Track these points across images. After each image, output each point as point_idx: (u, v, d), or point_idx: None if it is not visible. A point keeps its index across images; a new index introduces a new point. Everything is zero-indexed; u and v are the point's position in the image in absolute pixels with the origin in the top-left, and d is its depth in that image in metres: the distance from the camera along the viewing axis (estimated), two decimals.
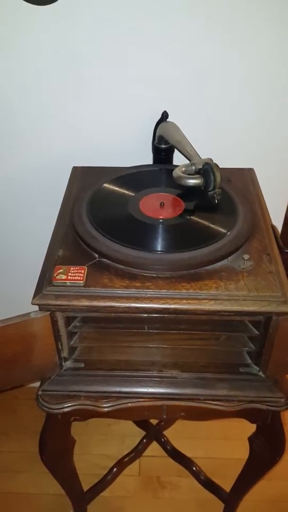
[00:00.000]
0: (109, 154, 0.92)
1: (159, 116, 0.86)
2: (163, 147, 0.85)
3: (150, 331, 0.68)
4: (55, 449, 0.79)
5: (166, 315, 0.61)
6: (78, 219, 0.69)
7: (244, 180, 0.82)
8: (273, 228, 0.72)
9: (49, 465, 0.82)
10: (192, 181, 0.70)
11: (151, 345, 0.70)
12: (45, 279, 0.61)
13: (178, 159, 0.83)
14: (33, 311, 0.60)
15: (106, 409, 0.69)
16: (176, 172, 0.72)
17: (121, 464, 1.14)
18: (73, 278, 0.60)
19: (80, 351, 0.70)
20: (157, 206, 0.72)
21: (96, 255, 0.64)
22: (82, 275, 0.60)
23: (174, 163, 0.89)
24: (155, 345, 0.70)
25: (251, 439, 0.82)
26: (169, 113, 0.85)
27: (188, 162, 0.74)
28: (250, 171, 0.85)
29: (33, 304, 0.59)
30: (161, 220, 0.69)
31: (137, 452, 1.18)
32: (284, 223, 1.03)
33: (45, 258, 0.66)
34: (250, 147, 0.93)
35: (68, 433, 0.79)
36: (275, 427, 0.74)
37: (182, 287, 0.59)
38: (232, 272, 0.62)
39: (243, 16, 0.78)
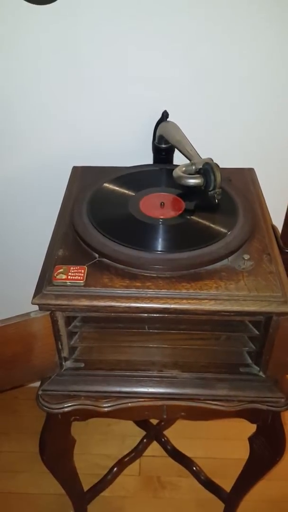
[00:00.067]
0: (109, 154, 0.92)
1: (159, 116, 0.86)
2: (163, 147, 0.85)
3: (150, 331, 0.68)
4: (55, 449, 0.79)
5: (166, 315, 0.61)
6: (78, 219, 0.69)
7: (244, 180, 0.82)
8: (274, 228, 0.72)
9: (49, 465, 0.82)
10: (192, 181, 0.70)
11: (151, 345, 0.70)
12: (45, 279, 0.61)
13: (178, 159, 0.83)
14: (33, 311, 0.60)
15: (106, 409, 0.69)
16: (176, 172, 0.72)
17: (121, 464, 1.14)
18: (73, 278, 0.60)
19: (80, 351, 0.70)
20: (157, 206, 0.72)
21: (96, 255, 0.64)
22: (82, 275, 0.60)
23: (175, 163, 0.89)
24: (155, 345, 0.70)
25: (251, 439, 0.82)
26: (169, 113, 0.85)
27: (188, 162, 0.74)
28: (250, 171, 0.85)
29: (33, 303, 0.59)
30: (161, 220, 0.69)
31: (137, 452, 1.18)
32: (284, 223, 1.03)
33: (45, 258, 0.66)
34: (250, 147, 0.93)
35: (68, 433, 0.79)
36: (275, 427, 0.74)
37: (182, 287, 0.59)
38: (233, 272, 0.62)
39: (243, 16, 0.78)
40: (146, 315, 0.62)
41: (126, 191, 0.76)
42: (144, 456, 1.22)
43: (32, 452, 0.96)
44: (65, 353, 0.67)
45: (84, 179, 0.82)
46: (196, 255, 0.62)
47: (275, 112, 0.89)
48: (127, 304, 0.59)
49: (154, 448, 1.22)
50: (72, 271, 0.60)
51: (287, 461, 0.89)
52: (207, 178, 0.69)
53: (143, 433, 1.22)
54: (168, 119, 0.85)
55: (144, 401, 0.69)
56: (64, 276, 0.60)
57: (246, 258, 0.62)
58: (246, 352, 0.69)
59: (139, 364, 0.69)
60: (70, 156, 0.91)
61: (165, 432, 1.22)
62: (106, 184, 0.78)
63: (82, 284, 0.59)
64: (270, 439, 0.78)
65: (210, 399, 0.68)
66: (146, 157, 0.91)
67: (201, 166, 0.71)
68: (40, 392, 0.68)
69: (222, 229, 0.67)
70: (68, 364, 0.68)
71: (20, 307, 0.62)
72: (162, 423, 1.20)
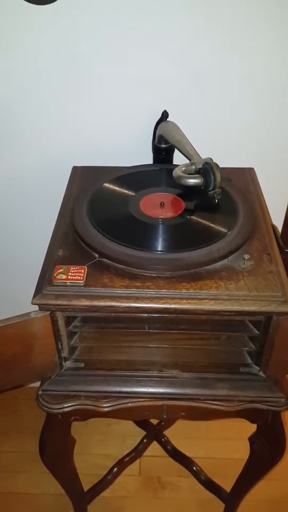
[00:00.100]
0: (109, 154, 0.92)
1: (159, 116, 0.86)
2: (163, 147, 0.85)
3: (150, 331, 0.68)
4: (55, 449, 0.79)
5: (166, 315, 0.61)
6: (78, 219, 0.69)
7: (244, 179, 0.82)
8: (274, 227, 0.72)
9: (49, 465, 0.82)
10: (192, 181, 0.70)
11: (151, 345, 0.70)
12: (45, 278, 0.61)
13: (178, 158, 0.83)
14: (33, 311, 0.60)
15: (106, 409, 0.69)
16: (176, 172, 0.72)
17: (122, 464, 1.14)
18: (73, 278, 0.60)
19: (80, 351, 0.70)
20: (157, 205, 0.72)
21: (96, 255, 0.64)
22: (82, 275, 0.60)
23: (174, 162, 0.89)
24: (155, 345, 0.70)
25: (251, 439, 0.82)
26: (169, 113, 0.85)
27: (188, 161, 0.74)
28: (250, 170, 0.85)
29: (33, 304, 0.59)
30: (161, 220, 0.69)
31: (137, 452, 1.18)
32: (284, 222, 1.03)
33: (45, 258, 0.66)
34: (250, 147, 0.93)
35: (68, 433, 0.79)
36: (275, 427, 0.74)
37: (182, 287, 0.59)
38: (233, 271, 0.62)
39: (243, 16, 0.78)
40: (146, 315, 0.62)
41: (126, 191, 0.76)
42: (144, 456, 1.22)
43: (32, 452, 0.96)
44: (65, 353, 0.67)
45: (84, 179, 0.82)
46: (196, 255, 0.62)
47: (275, 112, 0.89)
48: (127, 304, 0.59)
49: (154, 448, 1.22)
50: (72, 271, 0.60)
51: (287, 461, 0.89)
52: (207, 178, 0.69)
53: (143, 433, 1.22)
54: (168, 119, 0.85)
55: (144, 401, 0.69)
56: (64, 276, 0.60)
57: (246, 258, 0.62)
58: (246, 352, 0.69)
59: (139, 364, 0.69)
60: (70, 156, 0.91)
61: (165, 432, 1.22)
62: (106, 184, 0.78)
63: (82, 284, 0.59)
64: (270, 439, 0.78)
65: (210, 399, 0.68)
66: (146, 157, 0.91)
67: (201, 166, 0.71)
68: (40, 392, 0.68)
69: (222, 229, 0.67)
70: (68, 364, 0.68)
71: (20, 307, 0.62)
72: (162, 423, 1.20)
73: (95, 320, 0.67)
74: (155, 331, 0.68)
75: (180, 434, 1.25)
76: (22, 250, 1.10)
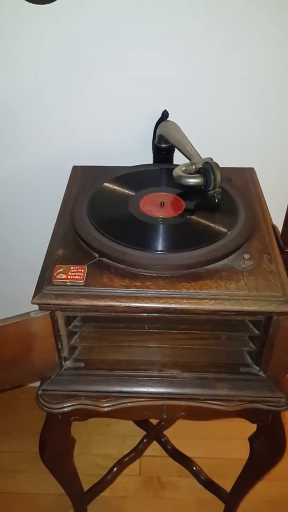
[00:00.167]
0: (109, 154, 0.92)
1: (159, 116, 0.86)
2: (163, 147, 0.85)
3: (150, 330, 0.68)
4: (55, 449, 0.79)
5: (166, 315, 0.61)
6: (78, 219, 0.69)
7: (244, 179, 0.82)
8: (274, 227, 0.72)
9: (49, 465, 0.82)
10: (192, 181, 0.70)
11: (151, 345, 0.70)
12: (45, 278, 0.61)
13: (179, 158, 0.83)
14: (33, 311, 0.60)
15: (106, 409, 0.69)
16: (176, 172, 0.72)
17: (121, 464, 1.14)
18: (73, 277, 0.60)
19: (80, 351, 0.70)
20: (158, 205, 0.72)
21: (96, 255, 0.64)
22: (82, 274, 0.60)
23: (175, 162, 0.89)
24: (155, 345, 0.70)
25: (251, 439, 0.82)
26: (169, 113, 0.85)
27: (188, 161, 0.74)
28: (251, 170, 0.85)
29: (33, 303, 0.59)
30: (161, 220, 0.69)
31: (137, 452, 1.18)
32: (284, 222, 1.03)
33: (45, 258, 0.66)
34: (250, 147, 0.93)
35: (68, 433, 0.79)
36: (275, 427, 0.74)
37: (182, 287, 0.59)
38: (233, 271, 0.62)
39: (243, 16, 0.78)
40: (146, 314, 0.62)
41: (126, 191, 0.76)
42: (144, 456, 1.22)
43: (32, 452, 0.96)
44: (65, 353, 0.67)
45: (84, 179, 0.82)
46: (196, 254, 0.62)
47: (275, 111, 0.89)
48: (127, 304, 0.59)
49: (154, 448, 1.22)
50: (72, 271, 0.60)
51: (287, 461, 0.89)
52: (207, 177, 0.69)
53: (143, 433, 1.22)
54: (168, 119, 0.85)
55: (144, 401, 0.69)
56: (64, 276, 0.60)
57: (246, 258, 0.62)
58: (246, 352, 0.69)
59: (139, 364, 0.69)
60: (70, 156, 0.91)
61: (165, 432, 1.22)
62: (106, 184, 0.78)
63: (82, 284, 0.59)
64: (270, 439, 0.78)
65: (210, 399, 0.68)
66: (146, 157, 0.91)
67: (201, 166, 0.71)
68: (40, 392, 0.68)
69: (222, 229, 0.67)
70: (68, 364, 0.68)
71: (20, 307, 0.62)
72: (162, 423, 1.20)
73: (95, 319, 0.67)
74: (155, 331, 0.68)
75: (180, 434, 1.25)
76: (22, 250, 1.10)
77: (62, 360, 0.67)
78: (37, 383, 0.70)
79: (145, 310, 0.60)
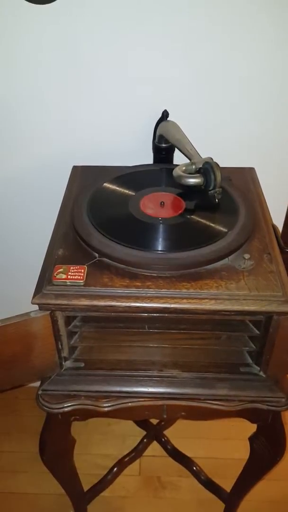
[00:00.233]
0: (109, 154, 0.92)
1: (159, 116, 0.86)
2: (164, 146, 0.85)
3: (151, 330, 0.68)
4: (56, 449, 0.79)
5: (166, 315, 0.61)
6: (78, 219, 0.69)
7: (244, 179, 0.82)
8: (274, 227, 0.72)
9: (49, 465, 0.82)
10: (192, 180, 0.70)
11: (151, 345, 0.70)
12: (45, 278, 0.61)
13: (179, 158, 0.83)
14: (33, 311, 0.60)
15: (106, 409, 0.69)
16: (177, 171, 0.72)
17: (122, 464, 1.14)
18: (73, 277, 0.59)
19: (80, 351, 0.70)
20: (158, 205, 0.72)
21: (96, 255, 0.64)
22: (82, 274, 0.60)
23: (175, 162, 0.89)
24: (156, 345, 0.70)
25: (251, 439, 0.82)
26: (169, 113, 0.85)
27: (188, 161, 0.74)
28: (251, 170, 0.85)
29: (33, 303, 0.59)
30: (161, 220, 0.69)
31: (137, 452, 1.18)
32: (285, 222, 1.03)
33: (45, 258, 0.66)
34: (250, 147, 0.93)
35: (68, 433, 0.79)
36: (275, 427, 0.74)
37: (182, 287, 0.59)
38: (233, 271, 0.62)
39: (243, 16, 0.78)
40: (146, 314, 0.62)
41: (126, 191, 0.76)
42: (144, 456, 1.22)
43: (32, 452, 0.96)
44: (65, 353, 0.67)
45: (84, 179, 0.82)
46: (196, 254, 0.62)
47: (275, 111, 0.89)
48: (127, 304, 0.59)
49: (154, 448, 1.22)
50: (72, 271, 0.60)
51: (287, 461, 0.89)
52: (207, 177, 0.69)
53: (143, 433, 1.22)
54: (168, 119, 0.85)
55: (144, 401, 0.69)
56: (64, 276, 0.60)
57: (246, 258, 0.62)
58: (246, 352, 0.69)
59: (139, 363, 0.69)
60: (70, 156, 0.91)
61: (165, 432, 1.22)
62: (106, 184, 0.78)
63: (82, 284, 0.59)
64: (270, 439, 0.78)
65: (210, 398, 0.68)
66: (146, 157, 0.91)
67: (201, 166, 0.71)
68: (40, 392, 0.68)
69: (222, 229, 0.67)
70: (68, 364, 0.68)
71: (20, 307, 0.62)
72: (162, 423, 1.20)
73: (95, 319, 0.67)
74: (155, 330, 0.68)
75: (180, 434, 1.25)
76: (22, 250, 1.10)
77: (62, 360, 0.67)
78: (37, 383, 0.70)
79: (145, 310, 0.60)
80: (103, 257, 0.63)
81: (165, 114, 0.85)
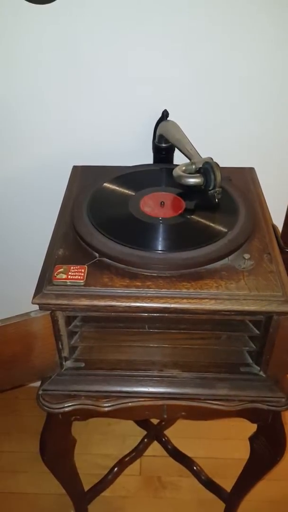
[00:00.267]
0: (109, 153, 0.92)
1: (159, 116, 0.86)
2: (164, 146, 0.85)
3: (151, 330, 0.68)
4: (56, 449, 0.79)
5: (166, 315, 0.61)
6: (79, 219, 0.69)
7: (244, 179, 0.82)
8: (274, 227, 0.72)
9: (49, 465, 0.82)
10: (192, 180, 0.70)
11: (151, 345, 0.70)
12: (45, 278, 0.61)
13: (179, 158, 0.83)
14: (33, 311, 0.60)
15: (106, 409, 0.69)
16: (177, 171, 0.72)
17: (122, 463, 1.14)
18: (73, 277, 0.60)
19: (80, 351, 0.70)
20: (158, 205, 0.72)
21: (97, 254, 0.64)
22: (82, 274, 0.60)
23: (175, 162, 0.89)
24: (156, 345, 0.70)
25: (251, 439, 0.82)
26: (169, 113, 0.85)
27: (188, 161, 0.74)
28: (251, 170, 0.85)
29: (33, 303, 0.59)
30: (161, 219, 0.69)
31: (137, 451, 1.18)
32: (285, 222, 1.03)
33: (45, 258, 0.66)
34: (250, 147, 0.93)
35: (68, 432, 0.79)
36: (275, 427, 0.74)
37: (182, 286, 0.59)
38: (233, 271, 0.62)
39: (243, 16, 0.78)
40: (146, 314, 0.62)
41: (126, 191, 0.76)
42: (145, 456, 1.22)
43: (33, 452, 0.96)
44: (65, 353, 0.67)
45: (84, 179, 0.82)
46: (196, 254, 0.62)
47: (275, 111, 0.89)
48: (127, 304, 0.59)
49: (155, 448, 1.22)
50: (72, 271, 0.60)
51: (287, 461, 0.89)
52: (207, 177, 0.69)
53: (144, 432, 1.22)
54: (168, 119, 0.85)
55: (145, 400, 0.69)
56: (64, 276, 0.60)
57: (246, 258, 0.62)
58: (246, 352, 0.69)
59: (139, 363, 0.69)
60: (70, 156, 0.91)
61: (166, 432, 1.22)
62: (106, 184, 0.78)
63: (82, 284, 0.59)
64: (270, 438, 0.78)
65: (210, 398, 0.68)
66: (146, 157, 0.91)
67: (201, 166, 0.71)
68: (40, 392, 0.68)
69: (222, 228, 0.67)
70: (68, 363, 0.68)
71: (20, 307, 0.62)
72: (163, 423, 1.20)
73: (96, 319, 0.67)
74: (155, 330, 0.68)
75: (181, 433, 1.25)
76: (22, 250, 1.10)
77: (62, 360, 0.67)
78: (38, 383, 0.70)
79: (145, 310, 0.60)
80: (103, 257, 0.63)
81: (165, 114, 0.85)
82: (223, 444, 1.26)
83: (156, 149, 0.87)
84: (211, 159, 0.71)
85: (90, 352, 0.70)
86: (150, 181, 0.78)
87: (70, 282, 0.59)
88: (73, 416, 0.71)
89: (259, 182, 0.82)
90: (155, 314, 0.61)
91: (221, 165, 0.69)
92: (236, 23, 0.79)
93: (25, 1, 0.76)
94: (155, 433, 1.21)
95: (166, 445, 1.20)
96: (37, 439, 0.77)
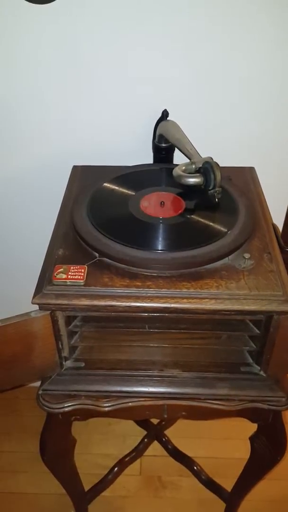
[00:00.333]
0: (109, 153, 0.93)
1: (159, 116, 0.86)
2: (164, 146, 0.85)
3: (151, 330, 0.68)
4: (56, 448, 0.79)
5: (166, 314, 0.61)
6: (79, 218, 0.69)
7: (244, 178, 0.82)
8: (274, 227, 0.72)
9: (50, 465, 0.82)
10: (192, 180, 0.70)
11: (151, 345, 0.70)
12: (45, 278, 0.61)
13: (179, 158, 0.83)
14: (33, 311, 0.60)
15: (106, 409, 0.69)
16: (176, 171, 0.72)
17: (122, 463, 1.14)
18: (73, 277, 0.60)
19: (80, 351, 0.70)
20: (158, 205, 0.72)
21: (97, 254, 0.64)
22: (82, 274, 0.60)
23: (175, 162, 0.89)
24: (156, 345, 0.70)
25: (252, 439, 0.82)
26: (169, 113, 0.85)
27: (188, 161, 0.74)
28: (251, 169, 0.85)
29: (33, 303, 0.59)
30: (161, 219, 0.69)
31: (138, 451, 1.18)
32: (285, 222, 1.03)
33: (45, 258, 0.66)
34: (250, 147, 0.93)
35: (68, 432, 0.79)
36: (276, 427, 0.74)
37: (182, 286, 0.59)
38: (233, 271, 0.62)
39: (243, 16, 0.78)
40: (146, 314, 0.62)
41: (126, 191, 0.76)
42: (145, 456, 1.22)
43: (33, 452, 0.96)
44: (65, 353, 0.67)
45: (84, 179, 0.82)
46: (196, 254, 0.62)
47: (275, 111, 0.89)
48: (127, 304, 0.59)
49: (155, 447, 1.22)
50: (72, 271, 0.60)
51: None
52: (207, 177, 0.69)
53: (144, 432, 1.22)
54: (168, 118, 0.85)
55: (145, 400, 0.69)
56: (64, 276, 0.60)
57: (246, 257, 0.62)
58: (246, 351, 0.69)
59: (139, 363, 0.69)
60: (70, 156, 0.91)
61: (166, 432, 1.22)
62: (106, 184, 0.78)
63: (82, 284, 0.59)
64: (271, 438, 0.78)
65: (210, 398, 0.68)
66: (146, 157, 0.91)
67: (201, 165, 0.71)
68: (40, 392, 0.68)
69: (222, 228, 0.67)
70: (68, 363, 0.68)
71: (20, 307, 0.62)
72: (163, 423, 1.20)
73: (96, 319, 0.67)
74: (156, 330, 0.68)
75: (181, 433, 1.25)
76: (22, 250, 1.10)
77: (62, 360, 0.67)
78: (38, 383, 0.70)
79: (145, 309, 0.60)
80: (103, 257, 0.63)
81: (165, 114, 0.85)
82: (224, 443, 1.26)
83: (156, 149, 0.87)
84: (211, 158, 0.71)
85: (90, 352, 0.70)
86: (150, 181, 0.78)
87: (70, 282, 0.59)
88: (73, 416, 0.71)
89: (259, 182, 0.82)
90: (155, 314, 0.61)
91: (221, 165, 0.69)
92: (236, 23, 0.79)
93: (25, 1, 0.76)
94: (155, 433, 1.21)
95: (167, 445, 1.20)
96: (37, 439, 0.77)
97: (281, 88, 0.86)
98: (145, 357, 0.69)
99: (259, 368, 0.67)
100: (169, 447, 1.20)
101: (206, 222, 0.69)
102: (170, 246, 0.65)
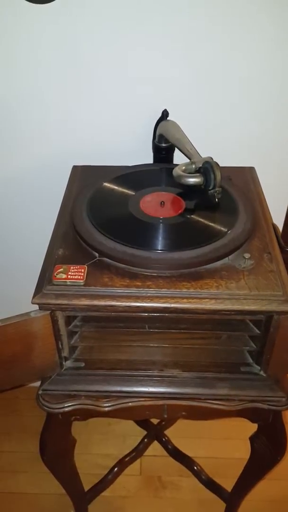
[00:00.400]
0: (109, 153, 0.93)
1: (159, 116, 0.86)
2: (164, 146, 0.85)
3: (151, 330, 0.68)
4: (56, 449, 0.79)
5: (166, 314, 0.61)
6: (79, 218, 0.69)
7: (244, 178, 0.82)
8: (274, 226, 0.72)
9: (49, 465, 0.82)
10: (192, 180, 0.70)
11: (151, 345, 0.70)
12: (45, 278, 0.61)
13: (179, 158, 0.83)
14: (33, 311, 0.60)
15: (106, 409, 0.69)
16: (176, 171, 0.72)
17: (122, 463, 1.14)
18: (73, 277, 0.60)
19: (80, 351, 0.70)
20: (158, 205, 0.72)
21: (97, 254, 0.64)
22: (82, 274, 0.60)
23: (175, 162, 0.89)
24: (156, 345, 0.70)
25: (252, 439, 0.82)
26: (169, 113, 0.85)
27: (188, 160, 0.74)
28: (251, 169, 0.85)
29: (33, 303, 0.59)
30: (161, 219, 0.69)
31: (138, 451, 1.18)
32: (285, 222, 1.03)
33: (45, 257, 0.66)
34: (250, 147, 0.93)
35: (68, 432, 0.79)
36: (276, 427, 0.74)
37: (182, 286, 0.59)
38: (233, 271, 0.62)
39: (243, 16, 0.78)
40: (146, 314, 0.62)
41: (126, 191, 0.76)
42: (145, 456, 1.22)
43: (33, 452, 0.96)
44: (65, 353, 0.67)
45: (84, 179, 0.82)
46: (196, 254, 0.62)
47: (275, 111, 0.89)
48: (127, 304, 0.59)
49: (155, 447, 1.22)
50: (72, 271, 0.60)
51: None
52: (207, 177, 0.69)
53: (144, 432, 1.22)
54: (168, 118, 0.85)
55: (145, 400, 0.69)
56: (64, 276, 0.60)
57: (246, 257, 0.62)
58: (247, 351, 0.69)
59: (139, 363, 0.69)
60: (70, 156, 0.91)
61: (166, 432, 1.22)
62: (106, 184, 0.78)
63: (82, 284, 0.59)
64: (271, 438, 0.78)
65: (211, 398, 0.68)
66: (146, 157, 0.91)
67: (201, 165, 0.71)
68: (40, 392, 0.68)
69: (222, 228, 0.67)
70: (68, 363, 0.68)
71: (20, 307, 0.62)
72: (163, 423, 1.20)
73: (96, 319, 0.67)
74: (156, 330, 0.68)
75: (181, 433, 1.25)
76: (22, 250, 1.10)
77: (62, 360, 0.67)
78: (38, 383, 0.70)
79: (145, 309, 0.60)
80: (103, 256, 0.63)
81: (165, 114, 0.85)
82: (224, 443, 1.26)
83: (156, 149, 0.87)
84: (211, 158, 0.71)
85: (90, 352, 0.70)
86: (150, 181, 0.78)
87: (70, 282, 0.59)
88: (73, 416, 0.71)
89: (259, 181, 0.82)
90: (155, 314, 0.61)
91: (221, 165, 0.69)
92: (236, 23, 0.79)
93: (25, 1, 0.76)
94: (155, 433, 1.21)
95: (167, 445, 1.20)
96: (37, 439, 0.77)
97: (281, 88, 0.86)
98: (145, 357, 0.69)
99: (259, 368, 0.67)
100: (169, 447, 1.20)
101: (206, 222, 0.69)
102: (170, 246, 0.65)
